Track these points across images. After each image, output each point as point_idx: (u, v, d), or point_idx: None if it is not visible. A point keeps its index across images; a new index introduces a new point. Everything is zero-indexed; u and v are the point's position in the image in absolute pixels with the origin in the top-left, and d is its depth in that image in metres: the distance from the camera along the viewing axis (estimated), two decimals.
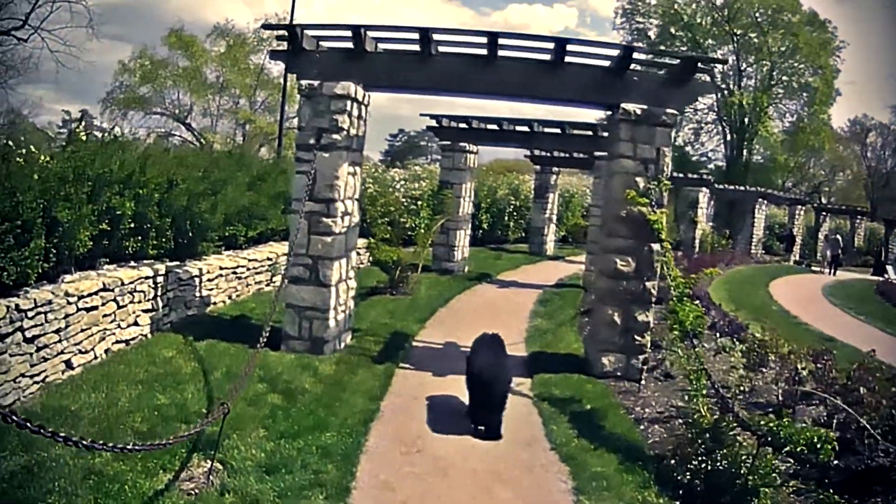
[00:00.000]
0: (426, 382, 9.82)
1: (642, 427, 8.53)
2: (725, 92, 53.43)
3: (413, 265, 16.87)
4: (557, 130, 20.01)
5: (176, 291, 11.30)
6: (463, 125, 20.49)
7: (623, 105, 10.38)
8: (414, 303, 15.18)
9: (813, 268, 37.41)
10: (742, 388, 9.29)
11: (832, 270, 35.41)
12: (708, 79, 11.52)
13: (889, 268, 35.51)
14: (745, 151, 53.59)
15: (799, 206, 45.20)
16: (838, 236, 39.60)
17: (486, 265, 23.44)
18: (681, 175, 34.98)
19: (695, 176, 36.85)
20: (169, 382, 8.40)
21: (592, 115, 33.03)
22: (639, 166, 10.46)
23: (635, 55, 10.50)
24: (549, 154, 28.76)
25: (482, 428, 8.02)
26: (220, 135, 46.95)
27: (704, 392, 7.46)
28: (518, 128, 20.58)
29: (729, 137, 54.72)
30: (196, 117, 47.95)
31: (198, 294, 12.07)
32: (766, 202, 43.14)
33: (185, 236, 12.28)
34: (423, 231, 17.94)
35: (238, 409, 7.47)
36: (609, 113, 11.44)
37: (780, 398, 9.15)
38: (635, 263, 10.54)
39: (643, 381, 10.26)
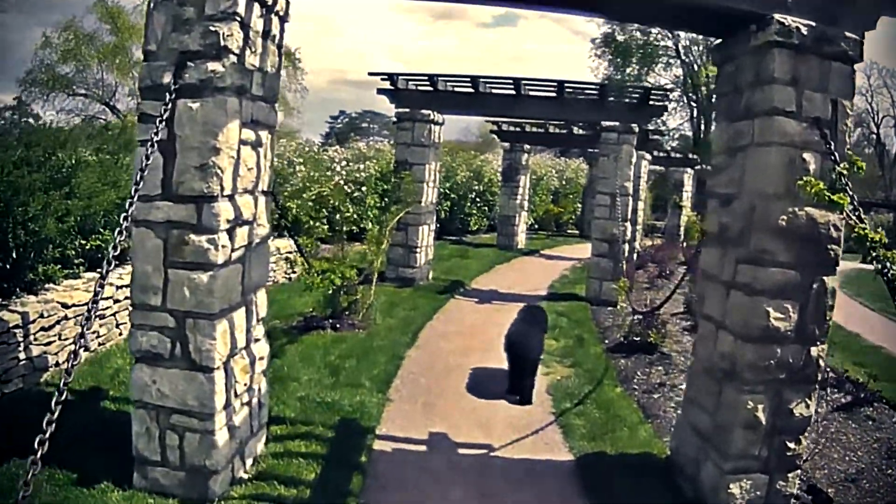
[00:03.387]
0: None
1: None
2: (693, 65, 49.12)
3: (365, 277, 11.75)
4: (552, 93, 15.04)
5: None
6: (426, 86, 15.39)
7: (778, 17, 5.42)
8: (368, 345, 10.03)
9: None
10: None
11: None
12: None
13: None
14: (713, 128, 49.39)
15: None
16: None
17: (452, 268, 18.39)
18: (663, 154, 30.52)
19: (678, 155, 32.26)
20: None
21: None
22: (808, 131, 5.50)
23: None
24: (521, 129, 24.00)
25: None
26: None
27: None
28: (495, 89, 15.54)
29: (695, 114, 50.37)
30: (122, 98, 42.06)
31: (22, 355, 7.09)
32: None
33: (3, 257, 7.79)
34: (375, 229, 12.82)
35: None
36: (718, 42, 6.52)
37: None
38: (797, 313, 5.64)
39: None
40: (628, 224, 15.19)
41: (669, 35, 48.08)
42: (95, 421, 6.49)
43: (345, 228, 11.22)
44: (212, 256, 4.93)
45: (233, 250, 5.18)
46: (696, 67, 47.70)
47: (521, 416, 7.94)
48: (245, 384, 5.67)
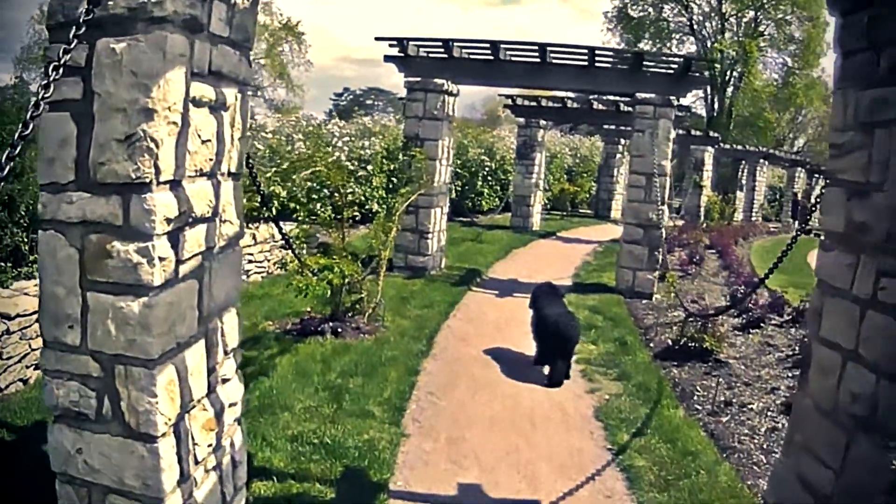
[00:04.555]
0: None
1: None
2: (707, 41, 47.29)
3: (371, 270, 10.17)
4: (581, 61, 13.36)
5: None
6: (440, 53, 13.72)
7: None
8: (376, 356, 8.41)
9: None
10: None
11: None
12: None
13: None
14: (726, 106, 47.55)
15: (798, 168, 39.50)
16: None
17: (466, 254, 16.80)
18: (683, 131, 28.81)
19: (699, 133, 30.51)
20: None
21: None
22: None
23: None
24: (537, 104, 22.44)
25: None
26: None
27: None
28: (517, 57, 13.85)
29: (709, 90, 48.53)
30: None
31: None
32: (766, 163, 37.51)
33: None
34: (382, 215, 11.12)
35: None
36: None
37: None
38: None
39: None
40: (665, 208, 13.52)
41: (683, 11, 46.60)
42: (32, 474, 4.90)
43: (346, 214, 9.53)
44: (145, 275, 3.27)
45: (179, 262, 3.52)
46: (709, 44, 46.05)
47: (570, 454, 6.35)
48: (210, 445, 4.05)
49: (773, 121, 48.03)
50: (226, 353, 4.27)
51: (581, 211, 32.71)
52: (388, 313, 10.13)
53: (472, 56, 13.87)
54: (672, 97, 13.33)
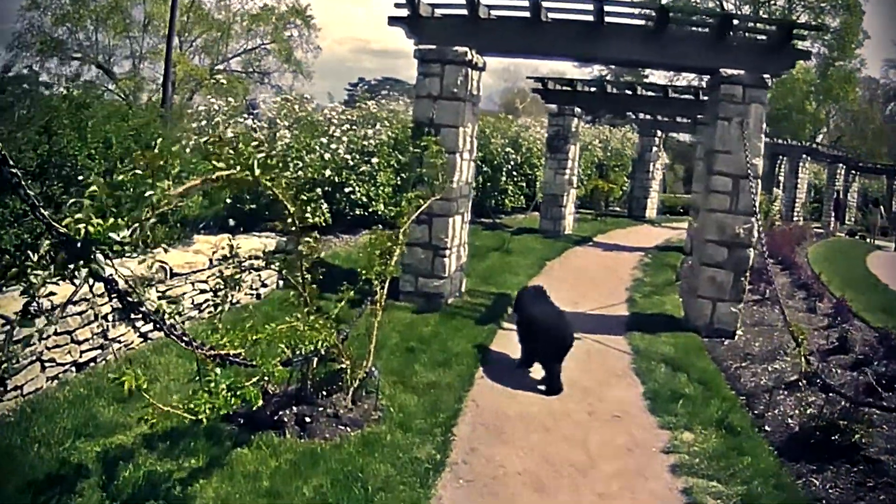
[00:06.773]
0: None
1: None
2: None
3: (368, 298, 7.01)
4: (640, 20, 10.13)
5: None
6: (462, 12, 10.46)
7: None
8: (356, 481, 5.07)
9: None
10: None
11: None
12: None
13: None
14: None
15: (840, 165, 36.26)
16: None
17: (492, 270, 13.55)
18: None
19: None
20: None
21: None
22: None
23: None
24: (572, 88, 19.19)
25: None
26: (142, 81, 37.47)
27: None
28: (565, 16, 10.60)
29: None
30: (119, 61, 38.47)
31: None
32: (808, 158, 34.25)
33: None
34: (374, 235, 7.56)
35: None
36: None
37: None
38: None
39: None
40: (755, 221, 10.19)
41: None
42: None
43: (303, 249, 6.03)
44: None
45: None
46: None
47: None
48: None
49: (813, 112, 44.74)
50: None
51: (614, 210, 29.53)
52: (386, 378, 6.89)
53: (504, 17, 10.60)
54: (765, 75, 10.05)
